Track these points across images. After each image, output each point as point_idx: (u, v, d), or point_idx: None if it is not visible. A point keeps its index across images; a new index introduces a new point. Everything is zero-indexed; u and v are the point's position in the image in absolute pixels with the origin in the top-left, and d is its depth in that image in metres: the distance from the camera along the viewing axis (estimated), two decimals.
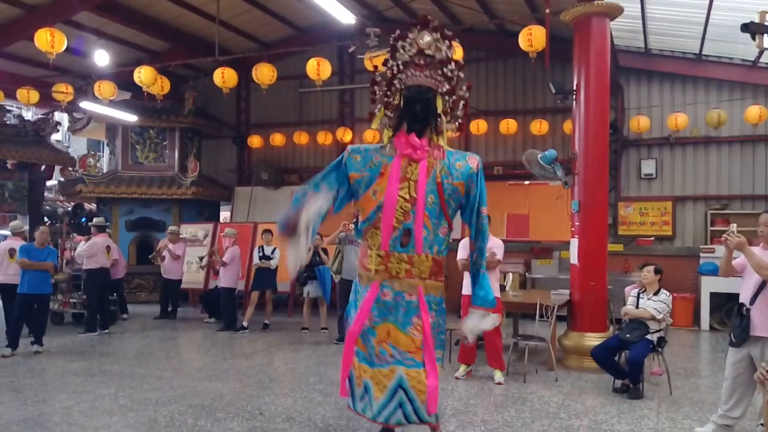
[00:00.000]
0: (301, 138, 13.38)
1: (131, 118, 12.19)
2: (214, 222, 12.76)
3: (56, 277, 9.20)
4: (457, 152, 3.64)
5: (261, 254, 9.59)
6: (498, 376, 6.20)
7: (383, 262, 3.50)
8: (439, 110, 3.54)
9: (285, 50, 12.26)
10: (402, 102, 3.53)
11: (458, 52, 3.64)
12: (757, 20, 3.25)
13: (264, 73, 9.36)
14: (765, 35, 3.32)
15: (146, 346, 8.28)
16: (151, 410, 5.21)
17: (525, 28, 7.75)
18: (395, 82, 3.56)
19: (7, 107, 13.21)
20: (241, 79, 11.16)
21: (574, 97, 7.32)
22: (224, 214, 14.87)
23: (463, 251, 6.35)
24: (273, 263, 9.53)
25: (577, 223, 7.18)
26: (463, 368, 6.40)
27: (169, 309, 10.75)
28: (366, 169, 3.50)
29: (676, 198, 11.09)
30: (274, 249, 9.58)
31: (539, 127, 11.52)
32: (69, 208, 15.55)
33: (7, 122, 13.39)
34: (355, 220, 8.57)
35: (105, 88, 10.03)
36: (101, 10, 10.54)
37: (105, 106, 10.89)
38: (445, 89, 3.55)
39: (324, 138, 13.27)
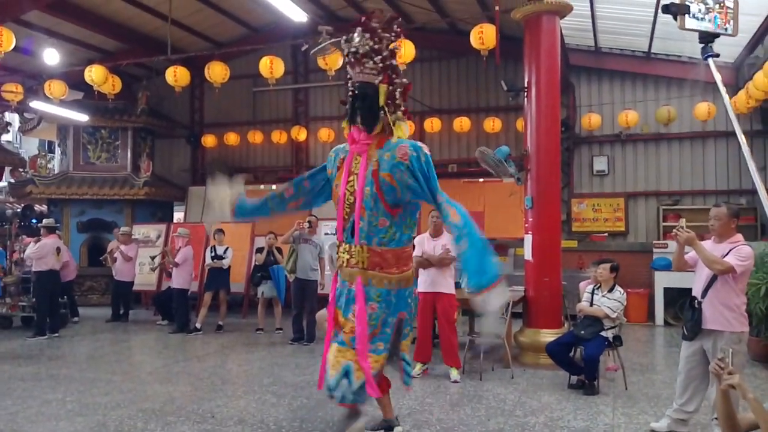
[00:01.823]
0: (256, 137, 13.30)
1: (82, 117, 11.93)
2: (167, 222, 12.57)
3: (5, 280, 8.96)
4: (398, 142, 3.65)
5: (213, 254, 9.50)
6: (454, 374, 6.23)
7: (338, 251, 3.77)
8: (381, 102, 3.60)
9: (238, 49, 12.16)
10: (351, 99, 3.69)
11: (388, 43, 3.64)
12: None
13: (216, 72, 9.28)
14: (686, 15, 3.43)
15: (97, 349, 8.13)
16: (100, 415, 5.13)
17: (476, 26, 7.87)
18: (349, 82, 3.73)
19: None
20: (195, 78, 11.03)
21: (525, 94, 7.47)
22: (178, 215, 14.65)
23: (417, 248, 6.41)
24: (225, 263, 9.45)
25: (530, 219, 7.30)
26: (418, 366, 6.40)
27: (121, 311, 10.56)
28: (334, 166, 3.75)
29: (629, 194, 11.38)
30: (227, 249, 9.51)
31: (492, 124, 11.69)
32: (18, 210, 15.11)
33: None
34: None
35: (56, 88, 9.81)
36: (52, 10, 10.28)
37: (56, 105, 10.64)
38: (378, 80, 3.61)
39: (278, 137, 13.21)
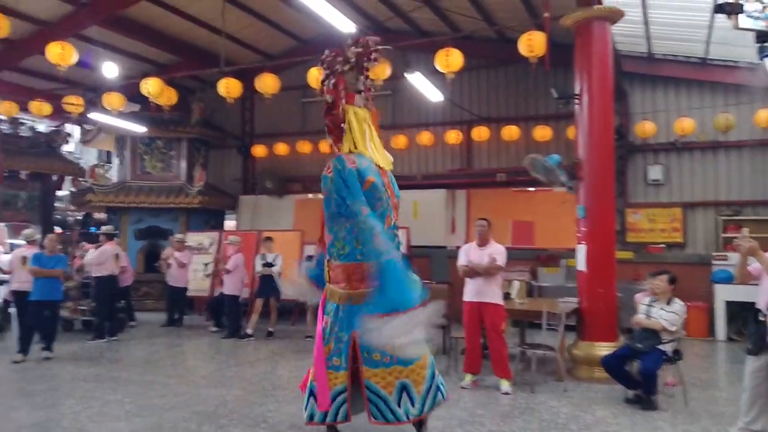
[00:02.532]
0: (304, 147, 13.51)
1: (140, 129, 12.36)
2: (219, 230, 12.88)
3: (67, 284, 9.33)
4: (335, 157, 3.84)
5: (263, 261, 9.66)
6: (505, 385, 6.13)
7: None
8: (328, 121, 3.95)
9: (288, 61, 12.40)
10: None
11: (331, 66, 4.06)
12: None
13: (267, 83, 9.49)
14: (740, 15, 3.34)
15: (153, 353, 8.38)
16: (157, 416, 5.29)
17: (525, 33, 7.81)
18: None
19: (21, 120, 13.45)
20: (246, 90, 11.28)
21: (576, 102, 7.36)
22: (230, 223, 14.99)
23: (463, 257, 6.38)
24: (275, 270, 9.59)
25: (583, 229, 7.16)
26: (468, 378, 6.35)
27: (176, 316, 10.85)
28: None
29: (686, 204, 11.00)
30: (276, 256, 9.65)
31: (542, 132, 11.55)
32: (79, 218, 15.75)
33: (21, 134, 13.63)
34: None
35: (114, 100, 10.20)
36: (110, 25, 10.75)
37: (114, 117, 11.06)
38: (330, 101, 3.94)
39: (326, 146, 13.32)
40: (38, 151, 13.65)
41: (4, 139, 12.67)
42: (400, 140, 12.93)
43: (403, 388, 3.63)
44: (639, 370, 5.66)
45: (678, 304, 5.76)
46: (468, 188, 12.57)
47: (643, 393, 5.61)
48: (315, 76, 9.32)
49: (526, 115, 12.30)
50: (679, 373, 5.93)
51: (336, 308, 3.64)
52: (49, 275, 7.82)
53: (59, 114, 11.60)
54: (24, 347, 7.70)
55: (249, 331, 9.38)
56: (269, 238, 9.88)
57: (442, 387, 4.06)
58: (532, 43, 7.66)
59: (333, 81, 3.93)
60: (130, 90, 10.86)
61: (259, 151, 14.08)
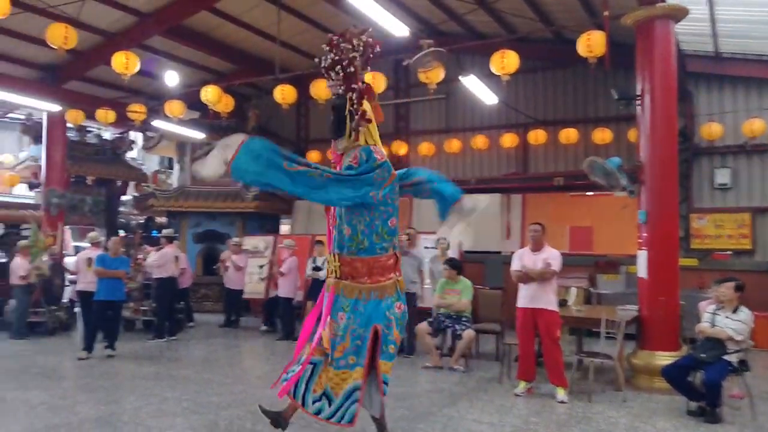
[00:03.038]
0: None
1: (199, 135, 12.72)
2: (274, 234, 13.09)
3: (129, 286, 9.67)
4: (359, 149, 3.68)
5: (313, 265, 9.71)
6: (561, 394, 5.97)
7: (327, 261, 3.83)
8: (346, 111, 3.68)
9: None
10: None
11: (349, 52, 3.69)
12: None
13: (322, 89, 9.59)
14: None
15: (211, 353, 8.57)
16: (213, 414, 5.39)
17: (583, 34, 7.63)
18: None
19: (88, 127, 14.07)
20: (301, 95, 11.47)
21: (638, 103, 7.13)
22: (285, 227, 15.21)
23: (517, 262, 6.25)
24: (322, 274, 9.59)
25: (645, 234, 6.91)
26: (522, 385, 6.22)
27: (232, 318, 11.06)
28: None
29: (755, 209, 10.48)
30: (325, 259, 9.68)
31: (602, 135, 11.24)
32: (142, 221, 16.32)
33: (88, 141, 14.25)
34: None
35: (174, 108, 10.52)
36: (171, 34, 11.13)
37: (175, 124, 11.42)
38: (342, 90, 3.68)
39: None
40: (103, 158, 14.25)
41: (72, 146, 13.27)
42: (453, 144, 12.85)
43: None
44: (703, 381, 5.43)
45: (744, 313, 5.49)
46: (524, 193, 12.35)
47: (707, 405, 5.37)
48: (367, 80, 9.35)
49: (584, 117, 12.01)
50: (746, 385, 5.63)
51: (354, 303, 3.56)
52: (113, 276, 8.12)
53: (123, 122, 12.08)
54: (89, 345, 8.01)
55: None
56: (320, 242, 9.96)
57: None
58: (591, 43, 7.47)
59: (350, 68, 3.74)
60: (190, 98, 11.19)
61: (313, 156, 14.24)
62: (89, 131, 14.51)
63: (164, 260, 9.62)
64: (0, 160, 18.76)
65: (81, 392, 6.25)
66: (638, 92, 7.12)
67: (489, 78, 9.91)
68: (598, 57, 7.45)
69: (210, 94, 9.98)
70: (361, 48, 3.71)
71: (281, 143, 14.62)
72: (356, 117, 3.68)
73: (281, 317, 9.95)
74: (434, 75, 8.35)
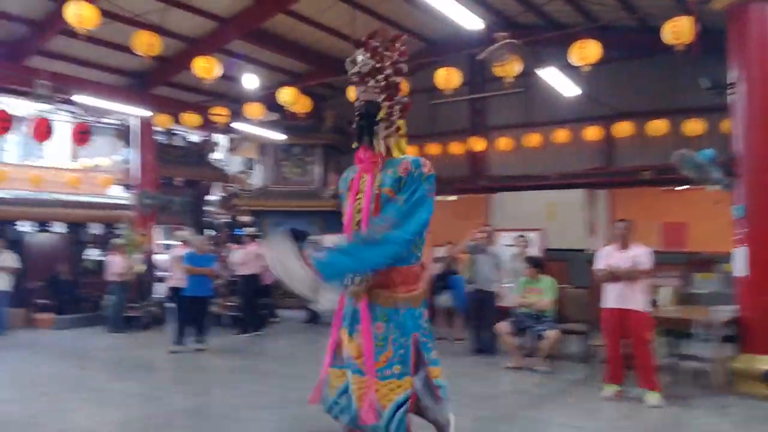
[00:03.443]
0: (433, 149, 13.53)
1: (279, 136, 13.06)
2: None
3: (216, 282, 10.09)
4: (401, 158, 3.57)
5: None
6: (651, 398, 5.69)
7: None
8: (379, 119, 3.58)
9: (415, 63, 12.47)
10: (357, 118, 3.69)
11: (391, 62, 3.55)
12: None
13: None
14: None
15: (294, 348, 8.81)
16: (297, 408, 5.52)
17: (669, 20, 7.24)
18: (356, 102, 3.71)
19: (175, 131, 14.76)
20: None
21: (731, 92, 6.70)
22: None
23: (601, 261, 6.03)
24: None
25: (743, 230, 6.48)
26: (610, 388, 5.98)
27: (315, 314, 11.29)
28: (344, 185, 3.77)
29: None
30: None
31: (693, 126, 10.65)
32: (227, 220, 16.96)
33: (175, 144, 14.97)
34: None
35: (254, 110, 10.84)
36: (250, 38, 11.46)
37: (255, 126, 11.77)
38: (381, 98, 3.56)
39: (456, 148, 13.32)
40: (190, 160, 14.94)
41: (161, 149, 13.96)
42: (533, 139, 12.55)
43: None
44: None
45: None
46: (609, 188, 11.89)
47: None
48: (443, 77, 9.32)
49: (673, 107, 11.39)
50: None
51: (393, 313, 3.50)
52: (200, 273, 8.49)
53: (208, 125, 12.57)
54: (180, 339, 8.41)
55: None
56: None
57: None
58: (677, 30, 7.07)
59: (397, 79, 3.63)
60: (269, 100, 11.49)
61: None
62: (176, 134, 15.22)
63: (248, 258, 9.95)
64: (96, 163, 20.02)
65: (173, 384, 6.58)
66: (731, 80, 6.69)
67: (569, 69, 9.59)
68: (686, 44, 7.06)
69: (287, 95, 10.22)
70: (399, 56, 3.64)
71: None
72: (392, 128, 3.62)
73: None
74: (510, 68, 8.18)
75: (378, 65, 3.56)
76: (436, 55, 12.01)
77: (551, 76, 9.82)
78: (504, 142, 12.89)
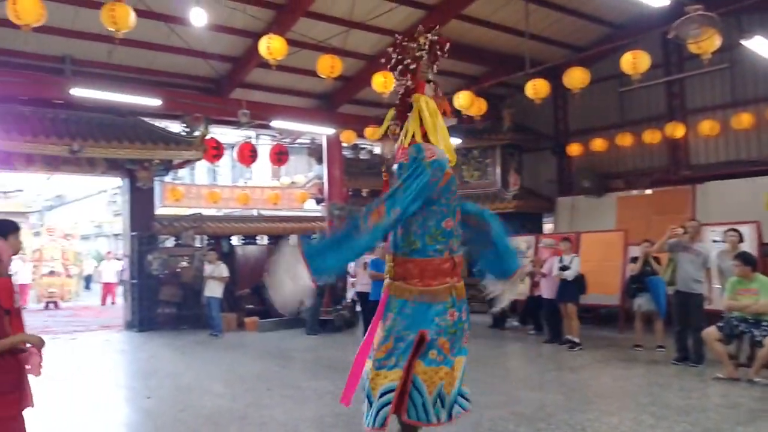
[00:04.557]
0: (625, 140, 12.55)
1: (456, 141, 13.09)
2: (536, 234, 12.78)
3: None
4: (412, 146, 3.58)
5: (560, 264, 9.11)
6: None
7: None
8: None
9: (597, 50, 11.71)
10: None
11: (413, 52, 3.74)
12: None
13: (575, 78, 9.09)
14: None
15: (477, 352, 8.64)
16: (477, 413, 5.39)
17: None
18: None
19: (360, 145, 15.56)
20: (556, 88, 11.03)
21: None
22: (548, 226, 14.77)
23: None
24: (569, 274, 8.92)
25: None
26: None
27: (500, 319, 11.05)
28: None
29: None
30: (573, 258, 9.03)
31: None
32: None
33: (361, 158, 15.77)
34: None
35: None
36: None
37: None
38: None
39: (651, 137, 12.20)
40: (375, 172, 15.61)
41: (348, 163, 14.80)
42: (743, 119, 11.08)
43: (440, 391, 3.46)
44: None
45: None
46: None
47: None
48: (629, 62, 8.61)
49: None
50: None
51: (402, 305, 3.42)
52: (382, 278, 8.76)
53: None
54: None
55: (572, 338, 8.95)
56: (567, 240, 9.39)
57: (464, 398, 3.70)
58: None
59: (412, 66, 3.74)
60: None
61: (574, 149, 13.59)
62: (362, 148, 16.02)
63: None
64: (293, 180, 21.91)
65: None
66: None
67: None
68: None
69: (462, 99, 10.21)
70: (427, 46, 3.74)
71: (539, 140, 14.38)
72: (396, 111, 3.76)
73: (546, 319, 9.61)
74: (708, 44, 7.27)
75: (399, 57, 3.79)
76: (621, 39, 11.16)
77: (760, 47, 8.54)
78: (708, 126, 11.55)
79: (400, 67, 3.77)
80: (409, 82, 3.75)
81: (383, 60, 3.97)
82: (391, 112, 3.87)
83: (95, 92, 10.23)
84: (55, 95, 10.76)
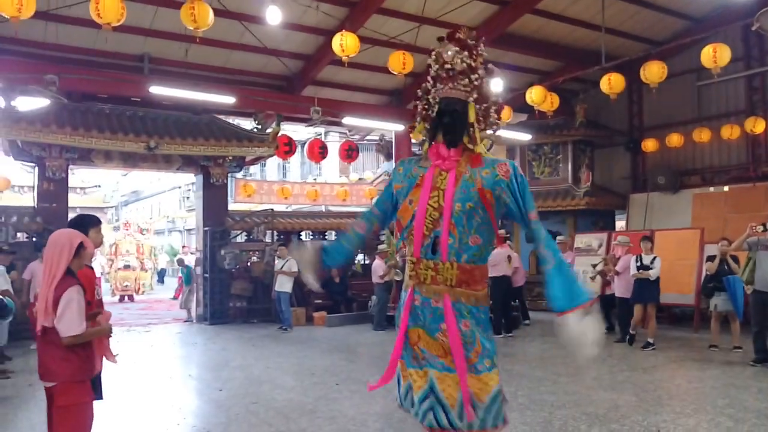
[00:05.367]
0: (702, 135, 12.10)
1: (526, 137, 12.98)
2: (608, 231, 12.51)
3: None
4: (492, 160, 3.41)
5: (639, 264, 8.88)
6: None
7: (415, 268, 3.52)
8: (471, 119, 3.44)
9: (676, 44, 11.33)
10: (436, 114, 3.56)
11: (483, 62, 3.46)
12: None
13: (653, 72, 8.87)
14: None
15: (545, 350, 8.64)
16: (547, 412, 5.44)
17: None
18: (430, 96, 3.58)
19: None
20: (632, 83, 10.78)
21: None
22: (620, 223, 14.41)
23: None
24: (652, 274, 8.68)
25: None
26: None
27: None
28: (405, 180, 3.60)
29: None
30: (654, 258, 8.78)
31: None
32: None
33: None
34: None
35: (502, 113, 10.96)
36: (495, 43, 11.59)
37: (503, 128, 11.88)
38: (473, 98, 3.43)
39: (729, 132, 11.72)
40: None
41: None
42: None
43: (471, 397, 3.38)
44: None
45: None
46: None
47: None
48: (709, 55, 8.34)
49: None
50: None
51: (476, 310, 3.42)
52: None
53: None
54: None
55: (649, 339, 8.74)
56: (647, 239, 9.14)
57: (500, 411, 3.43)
58: None
59: (485, 86, 3.54)
60: (517, 101, 11.51)
61: (649, 145, 13.21)
62: None
63: (498, 260, 10.05)
64: (361, 176, 22.21)
65: None
66: None
67: None
68: None
69: (534, 94, 10.12)
70: (457, 64, 3.51)
71: (612, 135, 14.04)
72: (492, 128, 3.53)
73: (619, 318, 9.44)
74: None
75: (473, 64, 3.54)
76: (700, 32, 10.76)
77: None
78: None
79: (473, 76, 3.53)
80: (498, 99, 3.74)
81: (437, 54, 3.63)
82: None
83: (172, 90, 10.63)
84: (134, 93, 11.24)
